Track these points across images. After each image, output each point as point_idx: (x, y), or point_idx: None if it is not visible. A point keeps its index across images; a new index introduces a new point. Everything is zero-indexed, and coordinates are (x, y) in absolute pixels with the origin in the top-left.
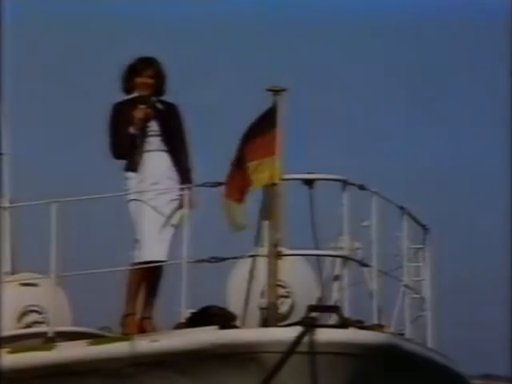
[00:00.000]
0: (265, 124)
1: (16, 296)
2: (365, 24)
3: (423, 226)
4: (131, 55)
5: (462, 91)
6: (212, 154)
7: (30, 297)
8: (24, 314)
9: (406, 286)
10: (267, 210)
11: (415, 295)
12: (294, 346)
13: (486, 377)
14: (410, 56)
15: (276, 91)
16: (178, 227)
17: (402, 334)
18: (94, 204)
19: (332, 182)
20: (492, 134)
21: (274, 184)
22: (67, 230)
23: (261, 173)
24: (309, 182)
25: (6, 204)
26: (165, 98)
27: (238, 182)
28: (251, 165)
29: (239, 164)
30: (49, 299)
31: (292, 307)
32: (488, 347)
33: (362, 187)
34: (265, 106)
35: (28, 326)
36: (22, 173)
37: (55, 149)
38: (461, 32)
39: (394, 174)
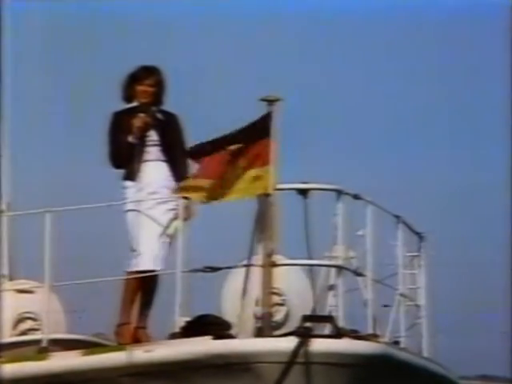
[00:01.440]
0: (258, 133)
1: (12, 303)
2: (364, 24)
3: (418, 234)
4: (129, 56)
5: (461, 93)
6: None
7: (25, 304)
8: (20, 321)
9: (401, 295)
10: (262, 220)
11: (410, 303)
12: (293, 357)
13: (484, 378)
14: (410, 56)
15: (270, 101)
16: (173, 237)
17: (397, 343)
18: (90, 212)
19: (326, 191)
20: (492, 136)
21: (268, 194)
22: (63, 237)
23: (256, 182)
24: (303, 192)
25: (4, 206)
26: (164, 107)
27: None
28: (247, 174)
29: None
30: (47, 307)
31: (287, 315)
32: (485, 348)
33: (356, 197)
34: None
35: (23, 333)
36: (20, 175)
37: (55, 150)
38: (461, 32)
39: (390, 182)
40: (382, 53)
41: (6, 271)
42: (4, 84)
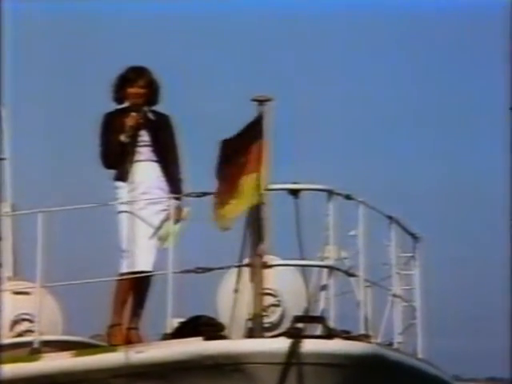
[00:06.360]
0: (251, 135)
1: (8, 304)
2: (363, 23)
3: (413, 235)
4: (126, 59)
5: (461, 94)
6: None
7: (22, 305)
8: (16, 322)
9: (395, 295)
10: (253, 220)
11: (405, 304)
12: (289, 359)
13: (491, 380)
14: (410, 57)
15: (261, 101)
16: (166, 240)
17: (390, 344)
18: (82, 213)
19: (318, 191)
20: (491, 135)
21: (259, 194)
22: (58, 238)
23: (249, 190)
24: (294, 192)
25: (8, 209)
26: (158, 107)
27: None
28: (242, 180)
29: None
30: (39, 308)
31: (282, 316)
32: (492, 351)
33: (348, 197)
34: (252, 115)
35: (20, 334)
36: (22, 178)
37: (55, 153)
38: (460, 31)
39: (383, 183)
40: (379, 52)
41: (8, 272)
42: (4, 84)
